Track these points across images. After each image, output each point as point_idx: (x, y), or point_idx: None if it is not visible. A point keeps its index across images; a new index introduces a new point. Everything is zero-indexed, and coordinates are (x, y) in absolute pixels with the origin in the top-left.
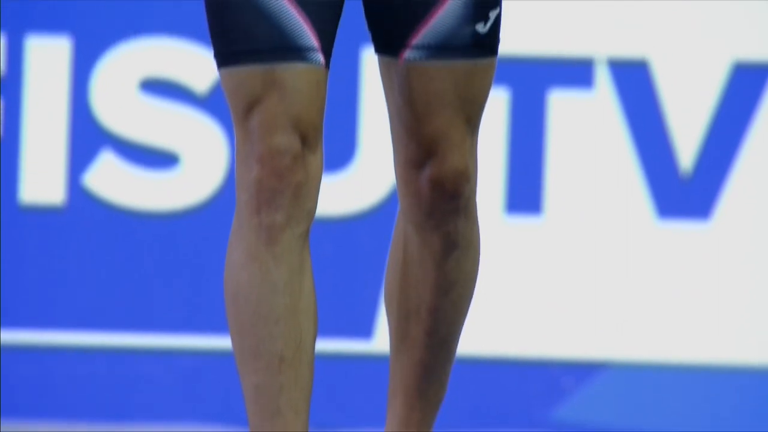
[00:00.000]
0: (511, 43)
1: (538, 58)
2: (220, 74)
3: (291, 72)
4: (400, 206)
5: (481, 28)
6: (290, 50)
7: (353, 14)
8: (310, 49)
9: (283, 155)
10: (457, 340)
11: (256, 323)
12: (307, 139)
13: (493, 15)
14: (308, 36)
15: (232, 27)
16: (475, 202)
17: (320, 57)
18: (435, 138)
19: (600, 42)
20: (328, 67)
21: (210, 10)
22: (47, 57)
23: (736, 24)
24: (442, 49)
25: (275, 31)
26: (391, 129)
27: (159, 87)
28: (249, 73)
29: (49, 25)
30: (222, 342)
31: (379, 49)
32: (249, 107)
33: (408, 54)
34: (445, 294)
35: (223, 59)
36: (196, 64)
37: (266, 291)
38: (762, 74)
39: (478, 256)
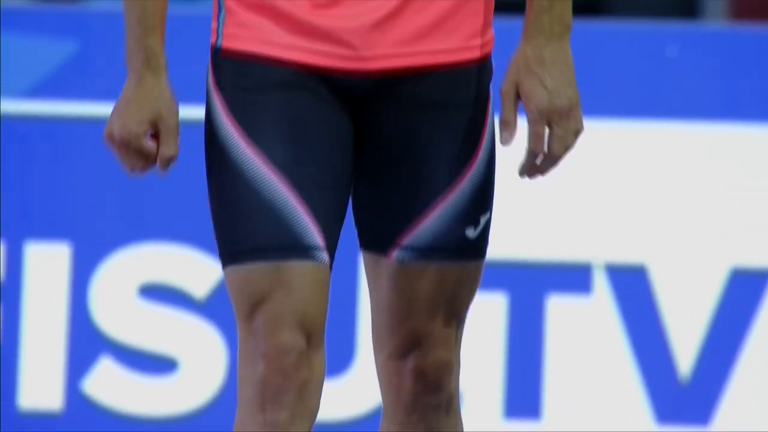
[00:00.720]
0: (510, 247)
1: (536, 264)
2: (225, 273)
3: (297, 270)
4: (384, 409)
5: (472, 232)
6: (297, 249)
7: (348, 214)
8: (315, 247)
9: (288, 353)
10: None
11: None
12: (312, 337)
13: (483, 220)
14: (314, 235)
15: (239, 225)
16: (458, 403)
17: (325, 256)
18: (421, 332)
19: (598, 247)
20: (332, 266)
21: (216, 210)
22: (47, 263)
23: (734, 230)
24: (432, 251)
25: (282, 230)
26: (374, 323)
27: (158, 292)
28: (255, 271)
29: (49, 231)
30: None
31: (366, 246)
32: (255, 305)
33: (398, 254)
34: None
35: (229, 258)
36: (194, 269)
37: None
38: (760, 280)
39: None
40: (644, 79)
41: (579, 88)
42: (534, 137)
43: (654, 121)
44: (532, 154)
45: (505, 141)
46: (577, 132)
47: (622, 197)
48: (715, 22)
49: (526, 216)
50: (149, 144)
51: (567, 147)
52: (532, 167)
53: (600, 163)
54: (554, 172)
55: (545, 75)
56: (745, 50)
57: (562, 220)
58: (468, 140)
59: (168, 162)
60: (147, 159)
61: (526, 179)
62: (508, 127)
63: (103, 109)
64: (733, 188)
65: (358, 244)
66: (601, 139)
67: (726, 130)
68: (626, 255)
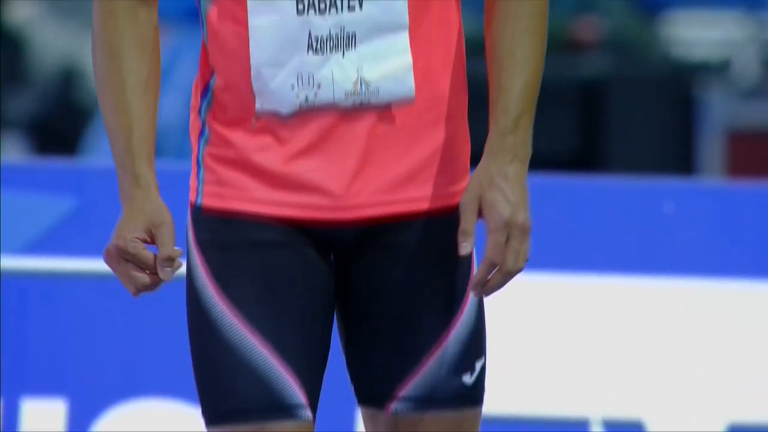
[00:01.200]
0: (505, 402)
1: (533, 419)
2: None
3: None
4: None
5: (468, 379)
6: (280, 409)
7: (344, 372)
8: (298, 406)
9: None
10: None
11: None
12: None
13: (479, 365)
14: (296, 393)
15: (220, 386)
16: None
17: (308, 413)
18: None
19: (595, 403)
20: (315, 419)
21: (197, 369)
22: (43, 419)
23: (730, 385)
24: (429, 401)
25: (263, 390)
26: None
27: None
28: None
29: (45, 387)
30: None
31: (363, 401)
32: None
33: (395, 406)
34: None
35: (211, 418)
36: (190, 425)
37: None
38: None
39: None
40: (641, 235)
41: (576, 242)
42: (494, 246)
43: (651, 277)
44: (489, 265)
45: (464, 250)
46: (527, 259)
47: (619, 352)
48: (712, 178)
49: (523, 371)
50: (147, 252)
51: (519, 268)
52: (480, 282)
53: (596, 318)
54: (551, 328)
55: (509, 189)
56: (742, 207)
57: (559, 375)
58: (456, 286)
59: (169, 262)
60: (147, 269)
61: (474, 296)
62: (468, 237)
63: (100, 264)
64: (730, 344)
65: (356, 400)
66: (598, 294)
67: (723, 286)
68: (623, 410)
